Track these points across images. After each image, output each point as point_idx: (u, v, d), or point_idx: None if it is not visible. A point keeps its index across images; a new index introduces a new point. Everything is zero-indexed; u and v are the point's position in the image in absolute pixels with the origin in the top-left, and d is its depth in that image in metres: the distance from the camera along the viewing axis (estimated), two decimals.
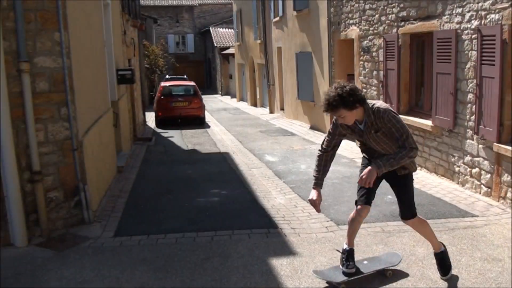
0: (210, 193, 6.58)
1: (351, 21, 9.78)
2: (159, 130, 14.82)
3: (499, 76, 5.32)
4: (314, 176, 3.64)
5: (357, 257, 3.84)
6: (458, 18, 6.11)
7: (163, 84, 17.79)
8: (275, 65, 17.10)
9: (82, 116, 5.25)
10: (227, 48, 30.36)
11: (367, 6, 8.92)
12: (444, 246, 3.79)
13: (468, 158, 6.10)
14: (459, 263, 3.97)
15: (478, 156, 5.90)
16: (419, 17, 7.06)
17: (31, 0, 4.61)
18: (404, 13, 7.50)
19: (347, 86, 3.25)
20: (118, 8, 10.11)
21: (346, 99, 3.20)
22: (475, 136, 5.90)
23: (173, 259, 4.26)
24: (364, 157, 3.73)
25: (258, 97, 21.47)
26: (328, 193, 6.04)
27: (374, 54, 8.78)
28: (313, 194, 3.57)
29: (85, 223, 5.09)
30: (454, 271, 3.77)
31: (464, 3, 5.96)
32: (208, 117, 17.62)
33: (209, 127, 15.30)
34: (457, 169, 6.37)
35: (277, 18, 15.95)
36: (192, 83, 17.88)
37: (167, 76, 24.81)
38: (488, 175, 5.72)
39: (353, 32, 9.65)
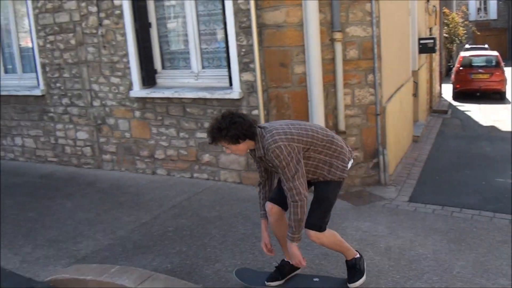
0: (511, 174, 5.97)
1: None
2: (455, 103, 14.06)
3: None
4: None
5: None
6: None
7: (462, 54, 16.68)
8: None
9: (386, 84, 5.47)
10: None
11: None
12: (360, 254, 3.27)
13: None
14: None
15: None
16: None
17: None
18: None
19: (230, 115, 2.86)
20: None
21: (224, 132, 2.82)
22: None
23: (468, 235, 4.09)
24: None
25: None
26: None
27: None
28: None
29: (381, 185, 5.38)
30: None
31: None
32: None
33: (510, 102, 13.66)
34: None
35: None
36: (495, 53, 16.15)
37: (466, 46, 23.06)
38: None
39: None
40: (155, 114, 6.03)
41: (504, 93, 14.69)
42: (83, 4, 6.21)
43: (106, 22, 6.08)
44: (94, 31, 6.21)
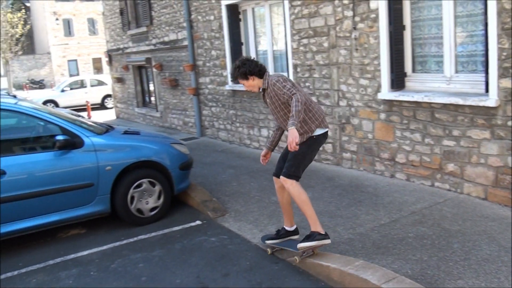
0: None
1: None
2: None
3: None
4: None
5: None
6: None
7: None
8: None
9: None
10: None
11: None
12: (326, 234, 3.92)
13: None
14: None
15: None
16: None
17: None
18: None
19: (244, 59, 4.07)
20: None
21: (237, 70, 4.02)
22: None
23: None
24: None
25: None
26: None
27: None
28: None
29: None
30: None
31: None
32: None
33: None
34: None
35: None
36: None
37: None
38: None
39: None
40: (401, 118, 5.97)
41: None
42: (339, 9, 6.55)
43: (360, 25, 6.29)
44: (348, 34, 6.49)
